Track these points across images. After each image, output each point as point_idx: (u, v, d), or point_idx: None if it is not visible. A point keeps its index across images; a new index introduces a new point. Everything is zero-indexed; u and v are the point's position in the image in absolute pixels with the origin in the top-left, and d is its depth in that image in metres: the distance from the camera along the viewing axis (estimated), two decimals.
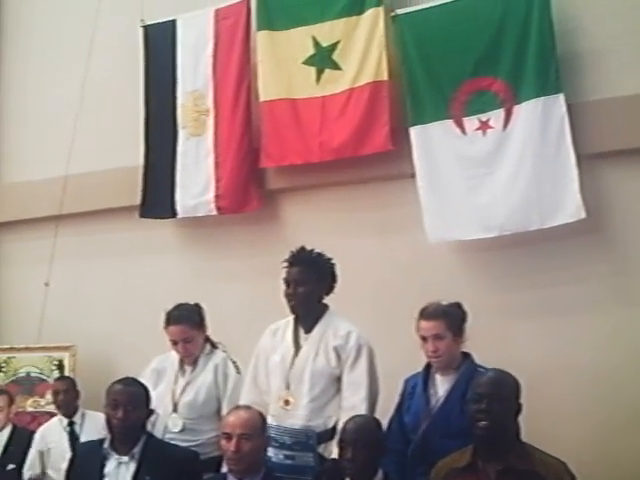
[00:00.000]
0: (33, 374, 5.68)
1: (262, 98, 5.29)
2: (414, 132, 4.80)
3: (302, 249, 4.03)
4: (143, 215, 5.61)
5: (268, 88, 5.28)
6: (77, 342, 5.60)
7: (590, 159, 4.44)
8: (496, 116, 4.62)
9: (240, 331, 4.73)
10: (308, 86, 5.18)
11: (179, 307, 4.40)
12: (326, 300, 4.04)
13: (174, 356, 4.45)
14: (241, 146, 5.36)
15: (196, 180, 5.47)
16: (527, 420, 3.28)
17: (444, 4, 4.81)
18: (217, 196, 5.36)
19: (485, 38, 4.69)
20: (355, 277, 4.59)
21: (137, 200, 5.63)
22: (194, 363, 4.40)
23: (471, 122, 4.69)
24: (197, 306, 4.45)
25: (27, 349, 5.69)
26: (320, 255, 4.01)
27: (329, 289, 4.03)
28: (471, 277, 4.75)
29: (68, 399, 5.03)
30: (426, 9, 4.87)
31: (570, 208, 4.35)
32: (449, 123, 4.74)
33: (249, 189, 5.36)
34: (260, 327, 4.21)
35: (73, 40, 6.16)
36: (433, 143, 4.76)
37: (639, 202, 4.40)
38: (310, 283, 3.90)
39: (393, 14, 4.93)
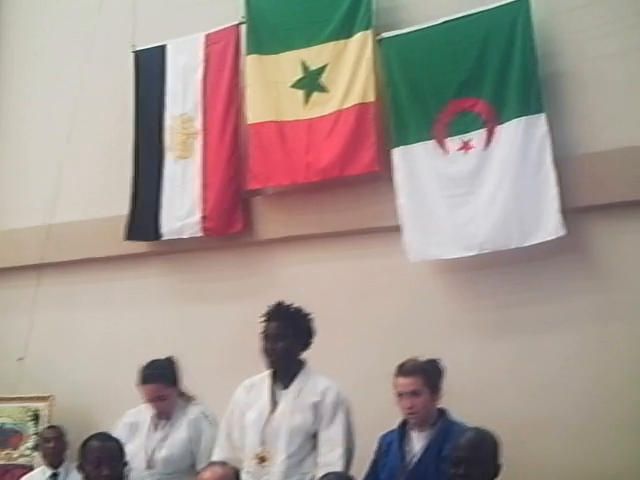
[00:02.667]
0: (7, 425, 5.57)
1: (250, 120, 5.33)
2: (397, 153, 4.82)
3: (280, 304, 3.99)
4: (128, 238, 5.60)
5: (256, 111, 5.32)
6: (56, 392, 5.54)
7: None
8: (478, 136, 4.63)
9: (223, 381, 4.59)
10: (296, 109, 5.22)
11: (151, 365, 4.36)
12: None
13: (147, 410, 4.38)
14: (228, 168, 5.38)
15: (182, 202, 5.48)
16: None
17: (428, 27, 4.86)
18: (204, 217, 5.37)
19: (468, 60, 4.73)
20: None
21: (120, 250, 5.66)
22: (168, 418, 4.36)
23: (453, 142, 4.70)
24: (170, 361, 4.41)
25: (3, 399, 5.59)
26: (298, 310, 3.97)
27: (307, 344, 4.00)
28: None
29: (58, 447, 4.99)
30: (411, 32, 4.92)
31: (550, 226, 4.31)
32: (432, 143, 4.76)
33: (235, 210, 5.36)
34: (242, 377, 4.18)
35: (59, 88, 6.22)
36: (415, 163, 4.77)
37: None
38: (288, 338, 3.88)
39: (379, 37, 4.99)
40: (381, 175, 4.85)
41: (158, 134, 5.62)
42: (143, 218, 5.56)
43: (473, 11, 4.71)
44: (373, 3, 5.02)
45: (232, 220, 5.36)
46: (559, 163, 4.37)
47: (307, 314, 4.01)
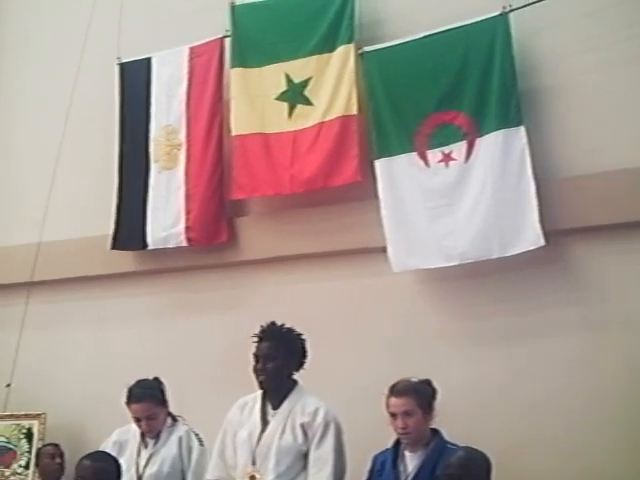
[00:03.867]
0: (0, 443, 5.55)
1: (234, 132, 5.38)
2: (379, 164, 4.89)
3: (272, 324, 4.02)
4: (114, 247, 5.63)
5: (240, 123, 5.38)
6: (47, 410, 5.48)
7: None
8: (458, 148, 4.71)
9: (213, 402, 4.67)
10: (280, 121, 5.28)
11: (140, 384, 4.41)
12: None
13: (135, 428, 4.41)
14: (212, 179, 5.44)
15: (167, 212, 5.52)
16: None
17: (410, 42, 4.95)
18: (187, 227, 5.42)
19: (449, 74, 4.82)
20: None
21: (110, 269, 5.70)
22: (157, 436, 4.40)
23: (434, 154, 4.78)
24: (157, 381, 4.46)
25: None
26: (290, 330, 4.00)
27: (299, 365, 4.03)
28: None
29: (62, 464, 5.03)
30: (392, 46, 5.01)
31: (530, 236, 4.40)
32: (413, 156, 4.84)
33: (219, 221, 5.41)
34: (233, 397, 4.20)
35: (49, 103, 6.21)
36: (397, 175, 4.85)
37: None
38: (279, 359, 3.90)
39: (361, 51, 5.07)
40: (368, 193, 4.90)
41: (143, 145, 5.68)
42: (129, 228, 5.60)
43: (453, 26, 4.80)
44: (356, 18, 5.11)
45: (216, 231, 5.41)
46: (541, 184, 4.49)
47: (299, 334, 4.04)
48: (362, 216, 4.94)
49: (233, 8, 5.52)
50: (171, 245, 5.49)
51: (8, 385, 5.60)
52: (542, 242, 4.37)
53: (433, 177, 4.75)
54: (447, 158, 4.73)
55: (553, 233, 4.43)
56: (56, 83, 6.18)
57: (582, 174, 4.50)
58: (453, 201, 4.67)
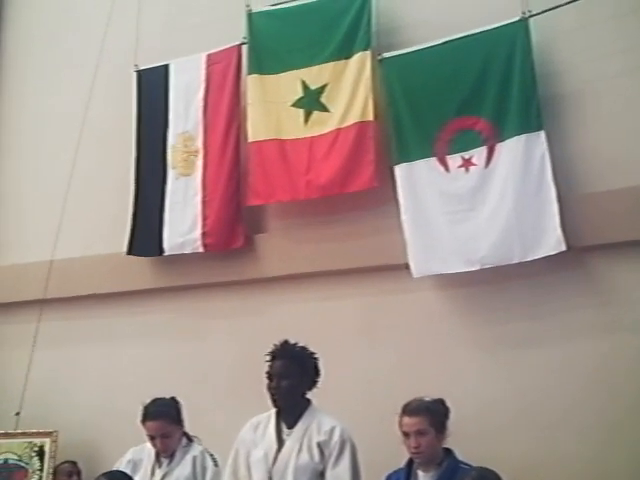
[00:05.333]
0: (11, 461, 5.47)
1: (251, 139, 5.39)
2: (399, 169, 4.89)
3: (285, 342, 3.99)
4: (130, 253, 5.63)
5: (257, 129, 5.39)
6: (59, 428, 5.44)
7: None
8: (479, 154, 4.71)
9: (223, 420, 4.71)
10: (296, 127, 5.29)
11: (156, 402, 4.38)
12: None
13: (150, 447, 4.38)
14: (229, 185, 5.44)
15: (183, 218, 5.52)
16: None
17: (429, 47, 4.96)
18: (204, 233, 5.41)
19: (469, 79, 4.82)
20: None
21: (122, 287, 5.69)
22: (171, 455, 4.36)
23: (454, 160, 4.78)
24: (174, 400, 4.43)
25: (6, 435, 5.49)
26: (304, 349, 3.98)
27: (312, 383, 4.00)
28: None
29: None
30: (412, 52, 5.02)
31: (551, 241, 4.38)
32: (433, 161, 4.84)
33: (236, 227, 5.41)
34: (243, 415, 4.17)
35: (62, 121, 6.25)
36: (417, 180, 4.85)
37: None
38: (293, 377, 3.89)
39: (380, 57, 5.08)
40: (385, 202, 4.92)
41: (161, 152, 5.68)
42: (145, 234, 5.60)
43: (473, 32, 4.82)
44: (373, 24, 5.13)
45: (233, 237, 5.40)
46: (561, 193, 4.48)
47: (312, 353, 4.02)
48: (378, 230, 4.96)
49: (250, 15, 5.55)
50: (187, 251, 5.48)
51: (17, 413, 5.54)
52: (563, 247, 4.36)
53: (453, 182, 4.75)
54: (467, 163, 4.72)
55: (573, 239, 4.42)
56: (72, 97, 6.19)
57: (603, 186, 4.52)
58: (473, 206, 4.66)
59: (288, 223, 5.32)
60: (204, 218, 5.44)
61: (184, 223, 5.50)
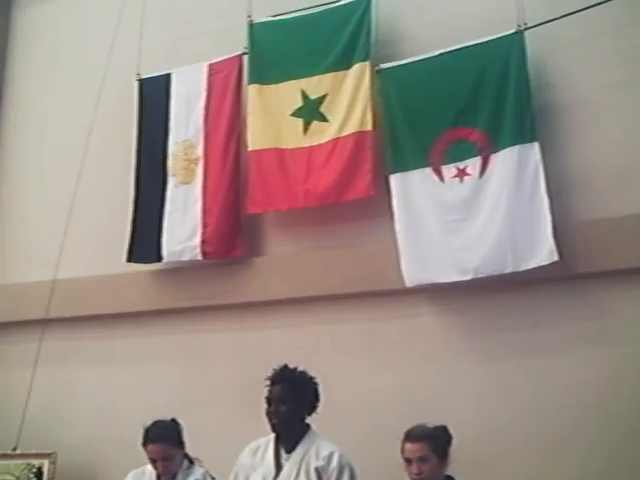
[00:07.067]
0: None
1: (250, 147, 5.45)
2: (394, 179, 4.93)
3: (285, 367, 3.95)
4: (130, 260, 5.67)
5: (256, 138, 5.44)
6: (58, 449, 5.39)
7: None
8: (473, 164, 4.75)
9: (224, 442, 4.63)
10: (295, 137, 5.35)
11: (157, 425, 4.33)
12: None
13: (151, 470, 4.31)
14: (229, 193, 5.49)
15: (183, 226, 5.56)
16: None
17: (425, 59, 5.02)
18: (203, 241, 5.45)
19: (465, 90, 4.87)
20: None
21: (124, 308, 5.69)
22: (172, 478, 4.31)
23: (449, 170, 4.82)
24: (175, 422, 4.38)
25: (5, 456, 5.45)
26: (303, 374, 3.95)
27: (312, 408, 3.96)
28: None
29: None
30: (409, 63, 5.08)
31: (544, 251, 4.41)
32: (428, 171, 4.88)
33: (235, 235, 5.46)
34: (245, 438, 4.15)
35: (64, 143, 6.27)
36: (412, 189, 4.89)
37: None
38: (292, 402, 3.86)
39: (377, 68, 5.13)
40: (387, 236, 4.93)
41: (161, 160, 5.74)
42: (144, 242, 5.64)
43: (469, 43, 4.87)
44: (372, 35, 5.17)
45: (232, 245, 5.45)
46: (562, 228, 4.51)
47: (312, 378, 4.00)
48: (379, 252, 4.99)
49: (251, 26, 5.61)
50: (186, 258, 5.52)
51: (14, 449, 5.50)
52: (556, 257, 4.38)
53: (447, 192, 4.79)
54: (461, 173, 4.76)
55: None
56: (74, 117, 6.23)
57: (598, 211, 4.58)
58: (467, 216, 4.70)
59: (286, 248, 5.37)
60: (204, 226, 5.49)
61: (183, 231, 5.55)
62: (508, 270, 4.51)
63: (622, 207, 4.47)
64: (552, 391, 4.48)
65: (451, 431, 3.78)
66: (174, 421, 4.35)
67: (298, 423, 3.94)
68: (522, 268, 4.48)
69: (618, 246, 4.41)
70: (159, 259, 5.59)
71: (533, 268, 4.43)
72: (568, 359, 4.48)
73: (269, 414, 3.91)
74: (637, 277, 4.40)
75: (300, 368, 3.97)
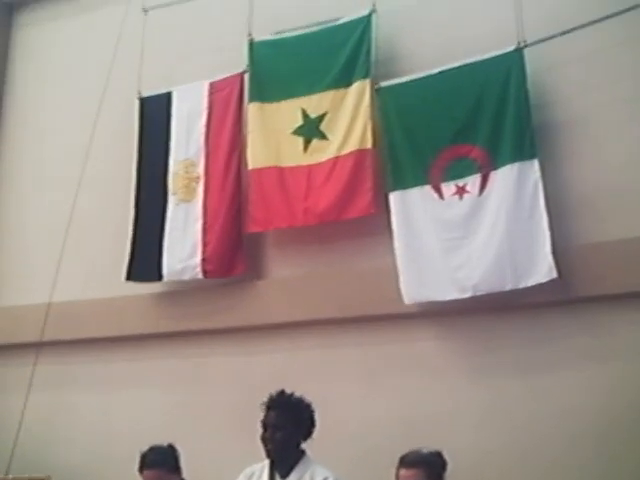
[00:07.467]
0: None
1: (251, 166, 5.45)
2: (393, 197, 4.92)
3: (281, 393, 3.92)
4: (129, 278, 5.66)
5: (257, 156, 5.45)
6: (51, 474, 5.32)
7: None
8: (473, 181, 4.75)
9: (221, 467, 4.59)
10: (296, 155, 5.35)
11: (153, 450, 4.28)
12: None
13: None
14: (230, 212, 5.49)
15: (183, 244, 5.56)
16: None
17: (425, 77, 5.02)
18: (204, 260, 5.44)
19: (464, 108, 4.87)
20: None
21: (119, 331, 5.67)
22: None
23: (448, 187, 4.82)
24: (172, 448, 4.34)
25: None
26: (299, 400, 3.91)
27: (307, 434, 3.92)
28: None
29: None
30: (409, 81, 5.08)
31: (543, 269, 4.39)
32: (427, 188, 4.87)
33: (236, 254, 5.44)
34: (241, 462, 4.12)
35: (62, 166, 6.29)
36: (411, 207, 4.88)
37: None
38: (287, 428, 3.82)
39: (377, 86, 5.13)
40: (386, 255, 4.91)
41: (162, 178, 5.74)
42: (144, 260, 5.64)
43: (469, 61, 4.87)
44: (372, 54, 5.18)
45: (233, 264, 5.44)
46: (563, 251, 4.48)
47: (308, 404, 3.96)
48: (379, 273, 4.96)
49: (252, 44, 5.63)
50: (187, 277, 5.51)
51: (6, 473, 5.41)
52: (555, 274, 4.36)
53: (447, 210, 4.78)
54: (461, 191, 4.75)
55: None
56: (73, 137, 6.24)
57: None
58: (467, 233, 4.68)
59: (287, 257, 5.37)
60: (204, 244, 5.48)
61: (184, 249, 5.54)
62: (507, 287, 4.49)
63: (621, 230, 4.45)
64: (548, 414, 4.46)
65: (446, 456, 3.73)
66: (171, 446, 4.30)
67: (293, 449, 3.90)
68: (521, 285, 4.45)
69: (617, 270, 4.39)
70: (159, 278, 5.58)
71: (532, 292, 4.44)
72: (566, 381, 4.45)
73: (264, 440, 3.88)
74: (634, 301, 4.38)
75: (297, 394, 3.93)
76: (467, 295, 4.57)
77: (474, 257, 4.60)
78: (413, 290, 4.73)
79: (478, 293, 4.54)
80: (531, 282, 4.42)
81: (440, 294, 4.67)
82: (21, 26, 7.05)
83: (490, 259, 4.55)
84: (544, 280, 4.38)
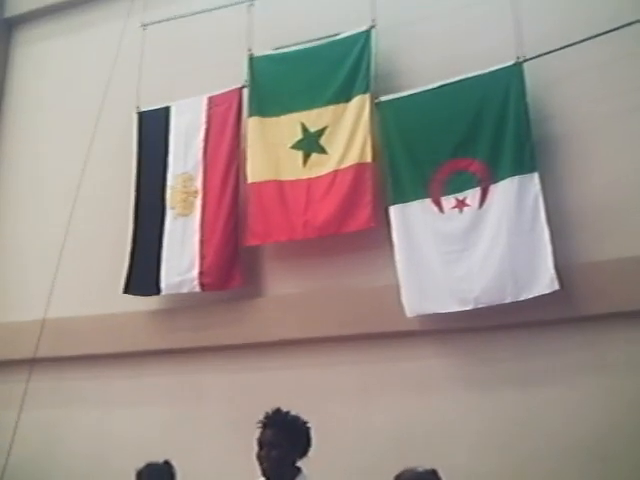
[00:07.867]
0: None
1: (250, 180, 5.45)
2: (393, 210, 4.93)
3: (277, 411, 3.87)
4: (127, 292, 5.64)
5: (256, 170, 5.46)
6: None
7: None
8: (473, 195, 4.76)
9: None
10: (295, 169, 5.36)
11: (150, 467, 4.29)
12: None
13: None
14: (227, 225, 5.49)
15: (181, 258, 5.55)
16: None
17: (425, 91, 5.05)
18: (201, 273, 5.43)
19: (464, 122, 4.90)
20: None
21: (115, 348, 5.65)
22: None
23: (448, 201, 4.84)
24: (168, 465, 4.35)
25: None
26: (296, 418, 3.84)
27: (303, 453, 3.89)
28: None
29: None
30: (408, 96, 5.11)
31: (544, 281, 4.39)
32: (428, 202, 4.88)
33: (233, 267, 5.43)
34: (234, 478, 4.11)
35: (58, 184, 6.31)
36: (412, 220, 4.89)
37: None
38: (283, 447, 3.72)
39: (377, 101, 5.15)
40: (386, 270, 4.91)
41: (160, 192, 5.75)
42: (142, 274, 5.63)
43: (468, 75, 4.91)
44: (372, 68, 5.21)
45: (230, 276, 5.43)
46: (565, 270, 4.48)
47: (304, 423, 3.88)
48: (377, 291, 4.97)
49: (251, 59, 5.66)
50: (185, 290, 5.49)
51: None
52: (556, 286, 4.36)
53: (447, 223, 4.79)
54: (461, 204, 4.76)
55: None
56: (70, 155, 6.26)
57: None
58: (467, 246, 4.69)
59: (285, 271, 5.36)
60: (202, 258, 5.47)
61: (182, 263, 5.53)
62: (508, 300, 4.49)
63: (620, 249, 4.47)
64: (545, 431, 4.45)
65: (441, 475, 3.67)
66: (167, 463, 4.29)
67: (289, 467, 3.82)
68: (522, 297, 4.46)
69: (616, 288, 4.40)
70: (158, 291, 5.56)
71: (531, 309, 4.45)
72: (564, 398, 4.46)
73: (260, 458, 3.79)
74: (632, 319, 4.39)
75: (293, 412, 3.85)
76: (468, 307, 4.57)
77: (475, 270, 4.61)
78: (415, 303, 4.72)
79: (479, 305, 4.54)
80: (532, 294, 4.43)
81: (441, 306, 4.66)
82: (20, 43, 7.08)
83: (491, 272, 4.55)
84: (546, 292, 4.38)
